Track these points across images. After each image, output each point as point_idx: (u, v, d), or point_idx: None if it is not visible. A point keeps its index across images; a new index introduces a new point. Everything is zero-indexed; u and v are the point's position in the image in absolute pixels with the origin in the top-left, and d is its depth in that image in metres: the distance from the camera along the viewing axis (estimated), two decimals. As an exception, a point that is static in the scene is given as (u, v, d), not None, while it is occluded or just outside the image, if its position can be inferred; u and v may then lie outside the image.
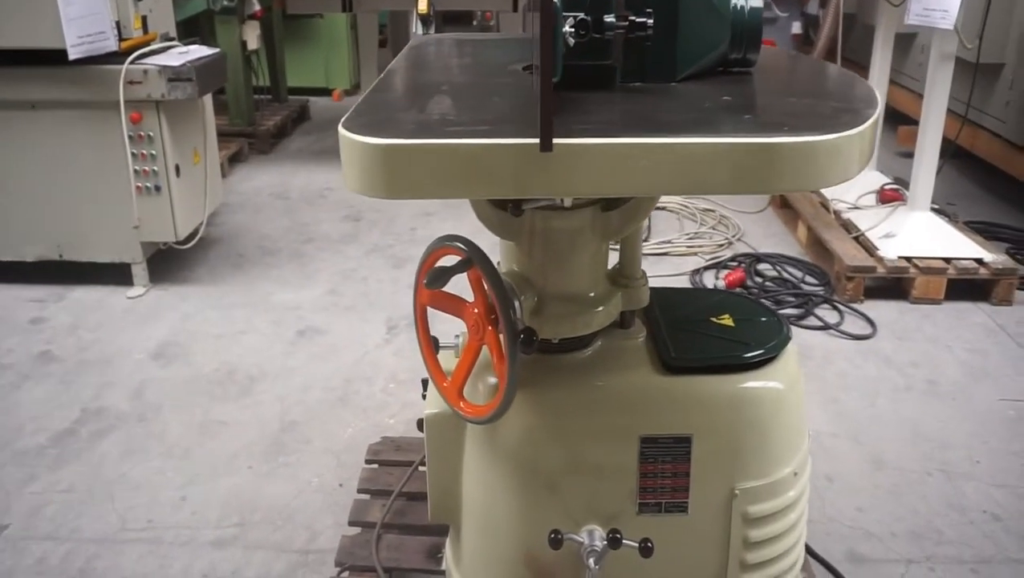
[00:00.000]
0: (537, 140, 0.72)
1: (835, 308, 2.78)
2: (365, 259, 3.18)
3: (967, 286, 2.80)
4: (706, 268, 3.08)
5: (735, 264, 3.09)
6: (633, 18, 0.86)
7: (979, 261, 2.76)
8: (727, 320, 1.27)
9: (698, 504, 1.21)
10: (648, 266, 3.09)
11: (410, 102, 0.90)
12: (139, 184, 2.56)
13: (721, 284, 2.89)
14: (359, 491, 1.74)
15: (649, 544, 1.16)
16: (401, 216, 3.60)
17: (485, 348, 1.08)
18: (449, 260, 1.11)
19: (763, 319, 1.28)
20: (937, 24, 2.30)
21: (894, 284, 2.85)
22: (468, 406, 1.12)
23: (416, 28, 3.34)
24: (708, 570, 1.26)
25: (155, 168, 2.53)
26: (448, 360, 1.27)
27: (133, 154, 2.49)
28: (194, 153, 2.72)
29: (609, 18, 0.83)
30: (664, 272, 3.06)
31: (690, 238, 3.34)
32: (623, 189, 0.75)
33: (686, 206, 3.63)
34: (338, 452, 2.07)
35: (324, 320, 2.71)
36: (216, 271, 3.06)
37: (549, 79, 0.66)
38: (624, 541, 1.14)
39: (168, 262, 3.03)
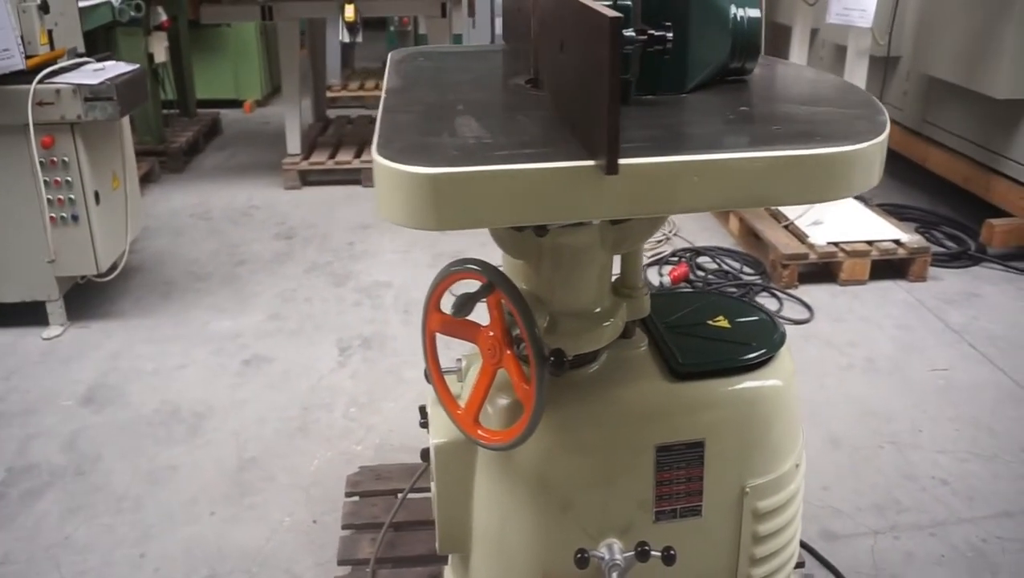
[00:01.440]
0: (590, 162, 0.70)
1: (774, 295, 2.92)
2: (305, 279, 3.04)
3: (887, 266, 3.01)
4: (648, 265, 3.15)
5: (676, 259, 3.18)
6: (652, 32, 0.85)
7: (897, 242, 2.97)
8: (723, 322, 1.29)
9: (711, 505, 1.22)
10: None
11: (435, 124, 0.85)
12: (53, 214, 2.33)
13: (666, 280, 2.97)
14: (344, 527, 1.66)
15: (672, 552, 1.16)
16: (335, 231, 3.47)
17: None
18: (456, 285, 1.07)
19: (755, 318, 1.31)
20: (855, 23, 2.46)
21: (823, 268, 3.02)
22: (487, 433, 1.09)
23: (343, 35, 3.25)
24: (720, 568, 1.28)
25: (71, 196, 2.31)
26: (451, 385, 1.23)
27: (46, 182, 2.26)
28: (113, 177, 2.51)
29: (629, 32, 0.82)
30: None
31: (629, 236, 3.41)
32: (681, 207, 0.74)
33: (620, 204, 3.70)
34: (306, 486, 1.96)
35: (270, 347, 2.57)
36: (142, 303, 2.84)
37: (617, 101, 0.64)
38: (652, 552, 1.13)
39: (86, 297, 2.78)
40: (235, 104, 5.16)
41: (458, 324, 1.10)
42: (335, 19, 4.99)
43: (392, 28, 5.03)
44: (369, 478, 1.77)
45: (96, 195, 2.38)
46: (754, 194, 0.76)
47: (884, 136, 0.80)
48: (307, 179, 3.96)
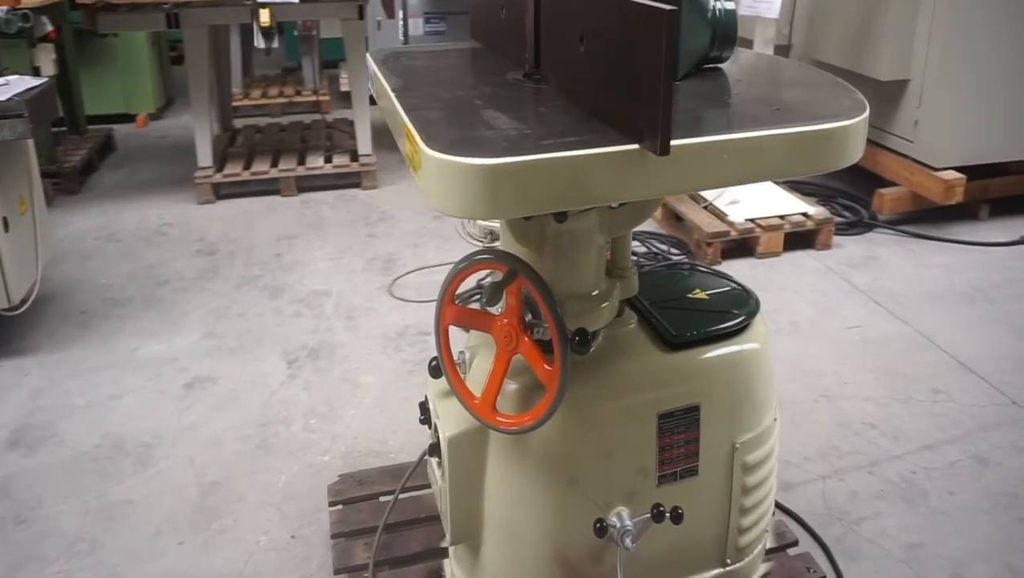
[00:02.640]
0: (634, 145, 0.75)
1: (699, 272, 3.10)
2: (236, 294, 2.92)
3: (797, 237, 3.27)
4: (582, 253, 3.26)
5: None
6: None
7: (805, 215, 3.24)
8: (700, 294, 1.39)
9: (706, 464, 1.32)
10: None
11: (466, 119, 0.87)
12: (-45, 245, 2.11)
13: (602, 266, 3.09)
14: (334, 536, 1.63)
15: (680, 511, 1.24)
16: (260, 243, 3.34)
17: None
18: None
19: (728, 288, 1.41)
20: (763, 14, 2.65)
21: (741, 244, 3.24)
22: (507, 418, 1.12)
23: (258, 41, 3.13)
24: (714, 520, 1.38)
25: (-24, 224, 2.11)
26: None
27: (-56, 210, 2.05)
28: (21, 201, 2.30)
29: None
30: (545, 262, 3.18)
31: (558, 227, 3.51)
32: (713, 183, 0.81)
33: (545, 198, 3.80)
34: (277, 503, 1.91)
35: (211, 367, 2.46)
36: (59, 334, 2.62)
37: (670, 89, 0.70)
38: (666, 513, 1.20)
39: (-7, 333, 2.54)
40: (127, 119, 4.82)
41: (472, 315, 1.12)
42: (236, 26, 4.79)
43: (296, 32, 4.87)
44: (351, 485, 1.74)
45: (4, 221, 2.18)
46: (774, 168, 0.84)
47: (867, 111, 0.91)
48: (220, 192, 3.78)
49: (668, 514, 1.22)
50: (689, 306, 1.34)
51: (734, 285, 1.43)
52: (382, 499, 1.69)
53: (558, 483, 1.23)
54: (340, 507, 1.71)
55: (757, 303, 1.36)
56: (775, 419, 1.41)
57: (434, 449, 1.26)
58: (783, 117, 0.86)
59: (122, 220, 3.57)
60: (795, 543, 1.68)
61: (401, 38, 4.20)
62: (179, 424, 2.18)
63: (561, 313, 1.01)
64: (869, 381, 2.44)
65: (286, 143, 4.08)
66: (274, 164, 3.80)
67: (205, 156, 3.60)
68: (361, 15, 3.22)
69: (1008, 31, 3.19)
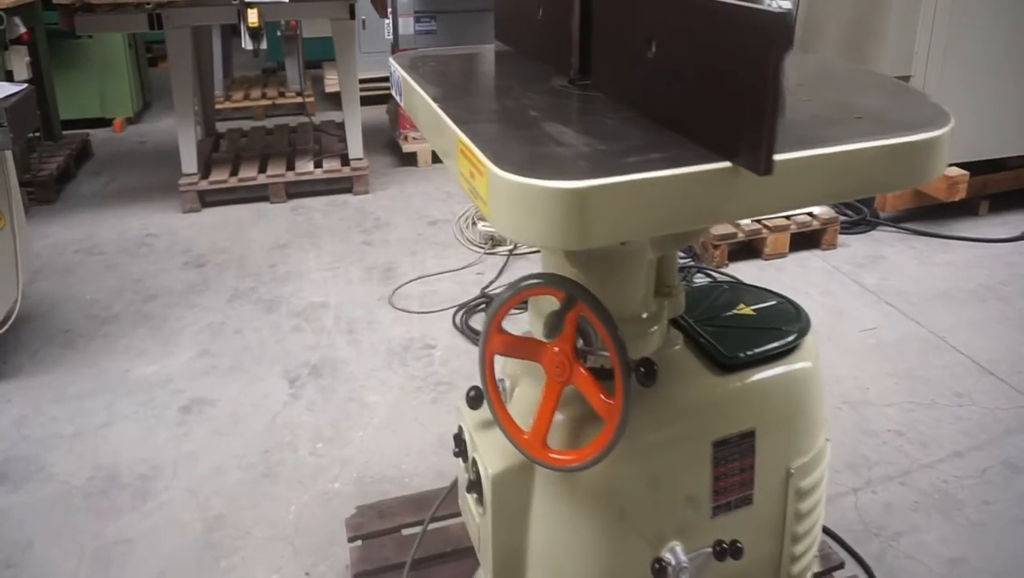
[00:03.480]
0: (727, 163, 0.66)
1: (707, 275, 3.03)
2: (229, 308, 2.79)
3: (803, 238, 3.22)
4: (586, 258, 3.17)
5: (610, 250, 3.22)
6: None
7: (810, 215, 3.18)
8: (746, 310, 1.30)
9: (761, 492, 1.23)
10: (530, 264, 3.12)
11: (527, 132, 0.78)
12: (-71, 266, 1.96)
13: (608, 271, 3.00)
14: (356, 576, 1.52)
15: (739, 545, 1.16)
16: (252, 253, 3.21)
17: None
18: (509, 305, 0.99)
19: (774, 303, 1.33)
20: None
21: (748, 246, 3.18)
22: (561, 454, 1.02)
23: (245, 43, 2.99)
24: (768, 550, 1.30)
25: (-48, 242, 1.96)
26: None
27: (-84, 229, 1.90)
28: (-1, 216, 2.16)
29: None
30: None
31: (559, 231, 3.42)
32: (804, 200, 0.73)
33: (544, 200, 3.71)
34: (289, 537, 1.79)
35: (208, 388, 2.33)
36: (41, 356, 2.48)
37: (778, 102, 0.61)
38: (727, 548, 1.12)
39: (-29, 358, 2.39)
40: (103, 123, 4.63)
41: (521, 343, 1.03)
42: (217, 25, 4.62)
43: (279, 33, 4.72)
44: (371, 517, 1.63)
45: (-18, 238, 2.04)
46: (873, 182, 0.76)
47: (952, 120, 0.83)
48: (206, 200, 3.64)
49: (728, 549, 1.13)
50: (736, 324, 1.26)
51: (779, 299, 1.34)
52: (405, 532, 1.59)
53: (607, 518, 1.14)
54: (360, 543, 1.60)
55: (808, 319, 1.28)
56: (827, 440, 1.33)
57: (473, 485, 1.17)
58: (873, 127, 0.78)
59: (103, 231, 3.41)
60: (841, 565, 1.61)
61: (389, 37, 4.08)
62: (177, 452, 2.06)
63: (624, 341, 0.92)
64: (890, 386, 2.38)
65: (273, 147, 3.94)
66: (262, 169, 3.66)
67: (190, 162, 3.46)
68: (352, 14, 3.10)
69: (1008, 27, 3.16)
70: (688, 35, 0.70)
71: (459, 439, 1.23)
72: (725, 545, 1.12)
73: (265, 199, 3.69)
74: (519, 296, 0.97)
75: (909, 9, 3.14)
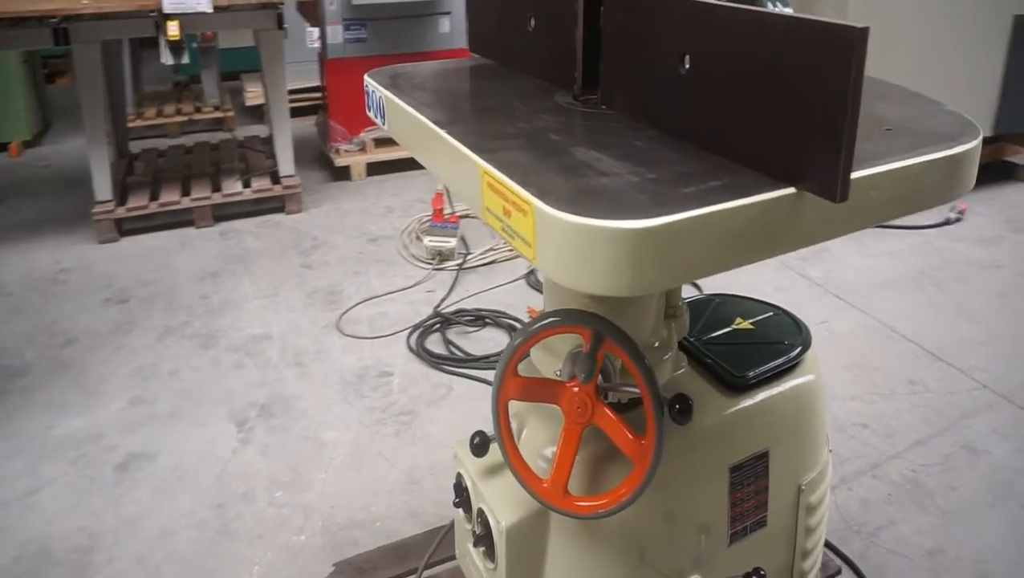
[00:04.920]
0: (790, 190, 0.60)
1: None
2: (161, 348, 2.55)
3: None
4: (530, 272, 3.10)
5: (562, 258, 3.17)
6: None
7: (754, 213, 3.23)
8: (745, 324, 1.26)
9: (774, 512, 1.19)
10: (481, 278, 3.03)
11: (560, 160, 0.69)
12: None
13: (563, 281, 2.94)
14: (341, 642, 1.38)
15: (762, 572, 1.11)
16: (180, 285, 2.97)
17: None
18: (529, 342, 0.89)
19: (770, 315, 1.29)
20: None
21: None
22: (586, 502, 0.93)
23: (165, 57, 2.76)
24: (780, 568, 1.26)
25: None
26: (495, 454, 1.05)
27: None
28: None
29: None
30: (502, 280, 3.01)
31: (507, 242, 3.33)
32: (862, 223, 0.67)
33: (488, 211, 3.62)
34: (254, 600, 1.63)
35: (146, 440, 2.11)
36: (-56, 419, 2.18)
37: (856, 122, 0.54)
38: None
39: None
40: (-3, 148, 4.22)
41: (538, 386, 0.93)
42: (126, 39, 4.28)
43: (194, 44, 4.42)
44: (350, 574, 1.50)
45: None
46: (916, 198, 0.71)
47: (981, 131, 0.80)
48: (124, 228, 3.34)
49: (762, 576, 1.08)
50: (739, 340, 1.21)
51: (774, 310, 1.31)
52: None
53: (628, 560, 1.07)
54: (341, 603, 1.46)
55: (807, 331, 1.25)
56: (830, 451, 1.31)
57: (480, 539, 1.06)
58: (911, 140, 0.73)
59: (7, 269, 3.07)
60: (839, 572, 1.60)
61: (313, 46, 3.89)
62: (118, 517, 1.84)
63: (655, 376, 0.84)
64: (849, 379, 2.42)
65: (195, 167, 3.68)
66: (185, 192, 3.40)
67: (103, 188, 3.16)
68: (280, 24, 2.91)
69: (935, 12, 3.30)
70: (736, 51, 0.63)
71: (459, 488, 1.13)
72: (762, 574, 1.06)
73: (190, 224, 3.43)
74: (538, 337, 0.88)
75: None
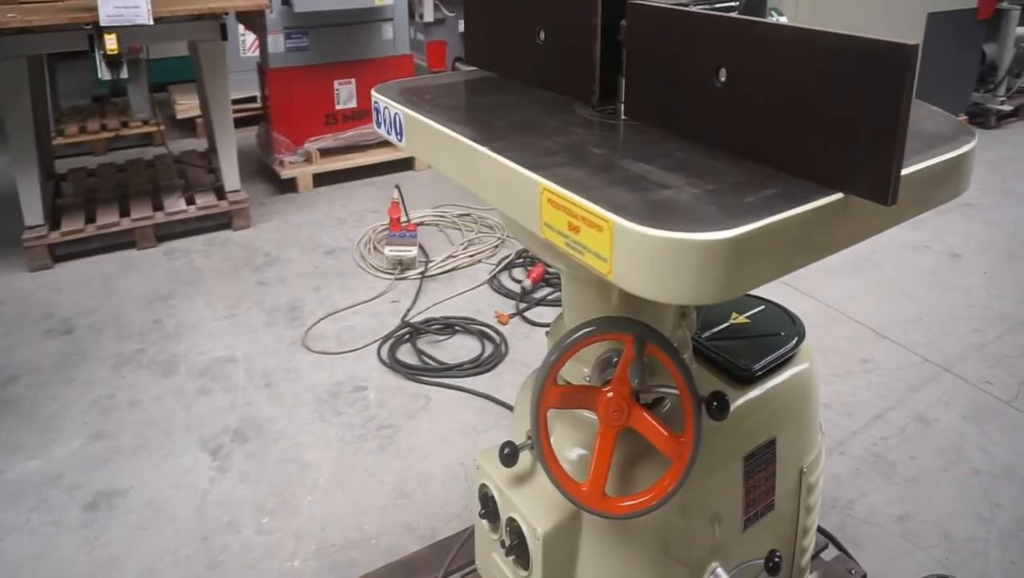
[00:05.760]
0: (839, 194, 0.64)
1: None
2: (117, 378, 2.43)
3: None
4: (500, 272, 3.12)
5: (521, 260, 3.19)
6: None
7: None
8: (741, 318, 1.31)
9: (781, 495, 1.25)
10: (444, 285, 3.02)
11: (616, 174, 0.70)
12: None
13: (528, 283, 2.97)
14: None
15: (778, 555, 1.16)
16: (128, 310, 2.82)
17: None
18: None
19: (763, 308, 1.35)
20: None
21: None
22: (625, 502, 0.96)
23: (102, 72, 2.62)
24: (786, 548, 1.33)
25: None
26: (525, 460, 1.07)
27: None
28: None
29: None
30: (465, 287, 3.01)
31: (466, 248, 3.34)
32: (888, 224, 0.72)
33: (442, 217, 3.61)
34: (254, 633, 1.58)
35: (113, 476, 2.01)
36: None
37: (906, 133, 0.59)
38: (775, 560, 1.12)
39: None
40: (-102, 174, 3.87)
41: (576, 393, 0.95)
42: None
43: (123, 58, 4.18)
44: (359, 596, 1.47)
45: None
46: (928, 199, 0.77)
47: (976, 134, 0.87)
48: (57, 253, 3.15)
49: (777, 560, 1.14)
50: (739, 334, 1.27)
51: (764, 303, 1.37)
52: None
53: (654, 554, 1.10)
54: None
55: (801, 322, 1.31)
56: (823, 432, 1.38)
57: (512, 548, 1.07)
58: (918, 142, 0.79)
59: (-71, 305, 2.85)
60: (825, 547, 1.68)
61: (248, 55, 3.78)
62: (92, 561, 1.74)
63: (692, 375, 0.88)
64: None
65: (132, 186, 3.50)
66: (124, 213, 3.24)
67: (34, 213, 2.97)
68: (224, 35, 2.81)
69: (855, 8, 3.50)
70: (780, 65, 0.67)
71: (485, 498, 1.13)
72: (778, 558, 1.11)
73: (130, 245, 3.26)
74: (579, 346, 0.90)
75: None
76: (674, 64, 0.78)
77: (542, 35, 0.97)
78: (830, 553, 1.69)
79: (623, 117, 0.89)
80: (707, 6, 0.81)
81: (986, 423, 2.24)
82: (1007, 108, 4.72)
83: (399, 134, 0.94)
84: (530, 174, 0.69)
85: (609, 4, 0.82)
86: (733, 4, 0.82)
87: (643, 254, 0.58)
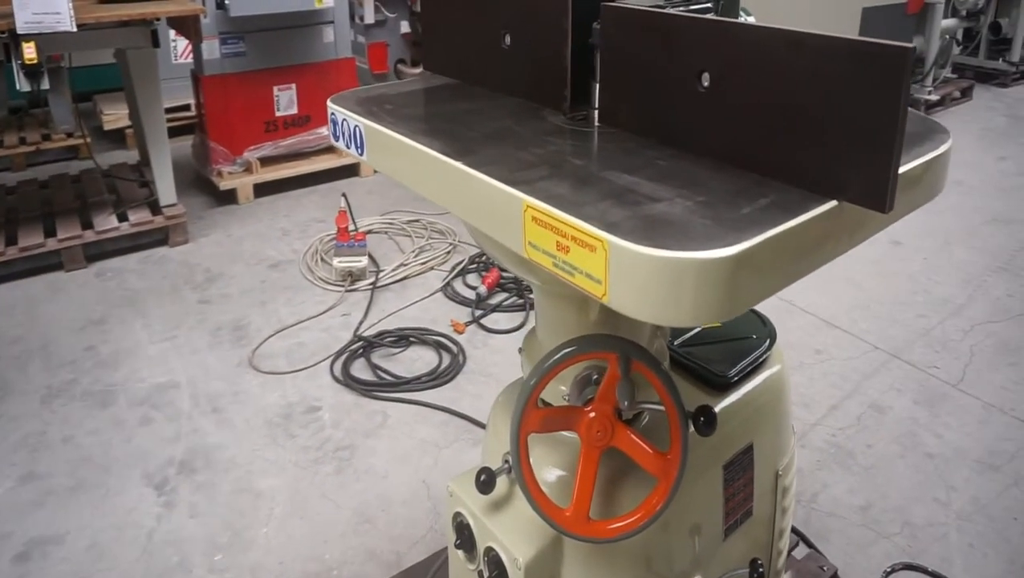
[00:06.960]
0: (833, 202, 0.62)
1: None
2: (47, 412, 2.25)
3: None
4: (453, 278, 3.05)
5: (475, 266, 3.14)
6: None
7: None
8: (712, 322, 1.29)
9: (758, 500, 1.24)
10: (396, 295, 2.94)
11: (602, 188, 0.65)
12: None
13: (483, 289, 2.91)
14: None
15: (760, 562, 1.15)
16: (58, 337, 2.64)
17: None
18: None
19: (731, 311, 1.34)
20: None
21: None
22: (609, 526, 0.92)
23: (21, 84, 2.43)
24: (764, 552, 1.32)
25: None
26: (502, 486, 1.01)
27: None
28: None
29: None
30: (418, 296, 2.93)
31: (417, 255, 3.26)
32: (878, 228, 0.71)
33: (391, 224, 3.52)
34: None
35: (47, 521, 1.85)
36: None
37: (903, 138, 0.57)
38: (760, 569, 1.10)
39: None
40: None
41: (558, 415, 0.90)
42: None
43: (43, 68, 3.91)
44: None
45: None
46: (913, 200, 0.76)
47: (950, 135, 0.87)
48: (-26, 279, 2.92)
49: (761, 570, 1.12)
50: (711, 338, 1.25)
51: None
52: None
53: (637, 572, 1.07)
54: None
55: (771, 324, 1.30)
56: (794, 433, 1.38)
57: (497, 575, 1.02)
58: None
59: None
60: (796, 545, 1.69)
61: (181, 61, 3.60)
62: (28, 615, 1.60)
63: (678, 390, 0.84)
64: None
65: (57, 203, 3.28)
66: (49, 232, 3.02)
67: (-55, 237, 2.74)
68: (155, 42, 2.65)
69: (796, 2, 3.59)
70: (767, 69, 0.64)
71: (460, 527, 1.07)
72: (760, 566, 1.09)
73: (57, 268, 3.05)
74: (560, 368, 0.85)
75: None
76: (652, 69, 0.75)
77: (508, 39, 0.92)
78: (800, 551, 1.70)
79: (596, 124, 0.85)
80: (683, 8, 0.78)
81: (936, 407, 2.31)
82: (934, 98, 4.94)
83: (359, 148, 0.87)
84: (511, 190, 0.63)
85: (580, 5, 0.78)
86: (708, 5, 0.79)
87: (642, 275, 0.54)
